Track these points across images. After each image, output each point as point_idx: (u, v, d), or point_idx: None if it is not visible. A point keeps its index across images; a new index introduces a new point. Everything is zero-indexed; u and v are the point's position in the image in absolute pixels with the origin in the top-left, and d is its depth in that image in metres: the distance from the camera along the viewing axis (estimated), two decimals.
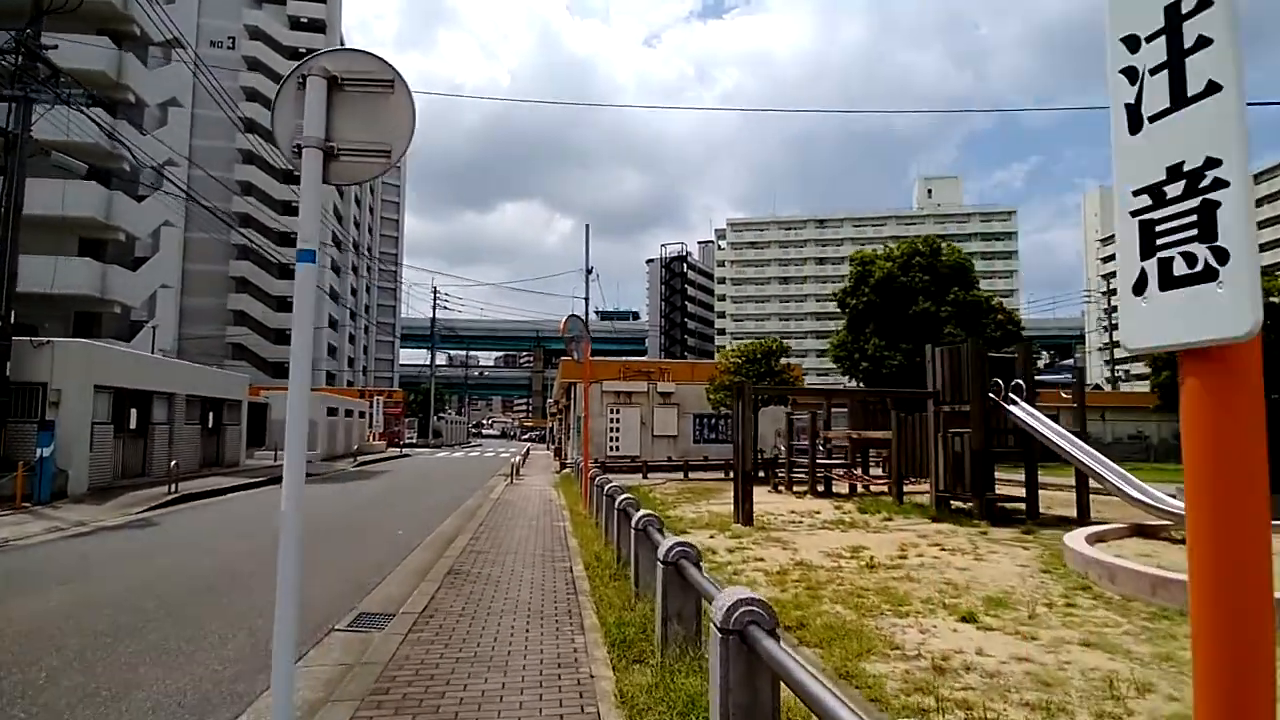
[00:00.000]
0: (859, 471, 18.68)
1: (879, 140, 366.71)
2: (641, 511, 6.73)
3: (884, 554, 9.74)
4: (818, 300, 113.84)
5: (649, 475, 24.41)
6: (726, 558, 9.54)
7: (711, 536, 11.34)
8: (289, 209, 66.05)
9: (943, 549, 10.16)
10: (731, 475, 24.76)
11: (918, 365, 34.18)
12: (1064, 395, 14.49)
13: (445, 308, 67.56)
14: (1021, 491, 14.17)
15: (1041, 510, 13.58)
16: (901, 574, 8.38)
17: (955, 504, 13.82)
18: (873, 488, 18.39)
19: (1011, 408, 12.79)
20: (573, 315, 14.42)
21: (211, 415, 23.75)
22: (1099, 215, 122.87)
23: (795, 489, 19.24)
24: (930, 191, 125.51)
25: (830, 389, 17.11)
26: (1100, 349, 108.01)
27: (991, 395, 12.93)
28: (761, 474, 23.59)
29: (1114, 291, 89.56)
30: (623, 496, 8.18)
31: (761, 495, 18.54)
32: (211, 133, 65.23)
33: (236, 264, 67.04)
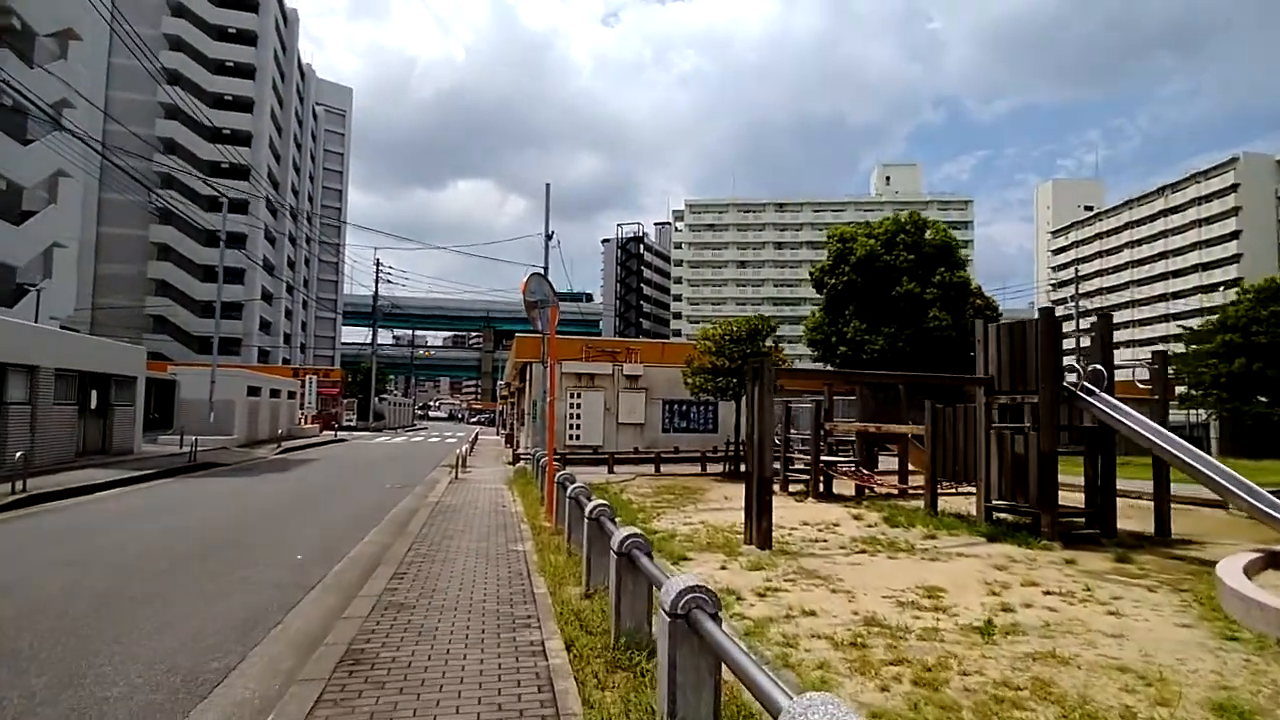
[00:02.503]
0: (866, 471, 16.03)
1: (833, 132, 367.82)
2: (681, 581, 3.76)
3: (975, 602, 7.01)
4: (775, 285, 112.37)
5: (615, 468, 21.48)
6: (759, 608, 6.67)
7: (723, 567, 8.46)
8: (217, 170, 60.75)
9: (1047, 592, 7.46)
10: (708, 470, 22.14)
11: (900, 350, 31.93)
12: (1140, 386, 12.30)
13: (389, 281, 63.40)
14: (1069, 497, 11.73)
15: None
16: (1041, 649, 5.60)
17: (1001, 516, 11.24)
18: (878, 489, 15.80)
19: (1091, 399, 10.20)
20: (535, 274, 11.33)
21: (95, 394, 19.91)
22: (1051, 208, 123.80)
23: (791, 489, 16.55)
24: (889, 179, 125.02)
25: (856, 373, 14.45)
26: None
27: (1067, 385, 10.34)
28: (740, 467, 20.92)
29: (1066, 283, 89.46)
30: (625, 535, 5.23)
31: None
32: (131, 84, 59.61)
33: (158, 229, 61.60)
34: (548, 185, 23.99)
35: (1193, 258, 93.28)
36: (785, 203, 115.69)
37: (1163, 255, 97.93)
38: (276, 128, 72.25)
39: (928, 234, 33.00)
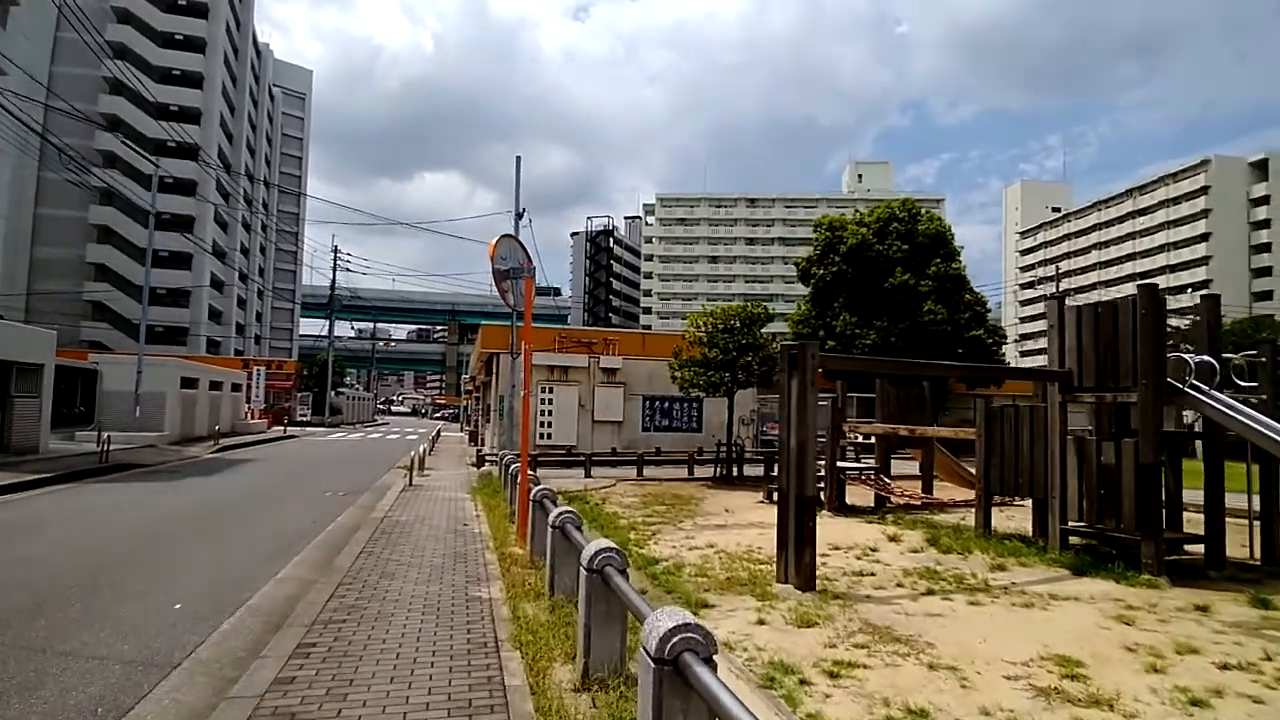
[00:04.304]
0: (887, 479, 13.96)
1: (802, 132, 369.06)
2: None
3: (1139, 684, 4.91)
4: (746, 281, 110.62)
5: (591, 471, 19.19)
6: (839, 702, 4.49)
7: (760, 620, 6.26)
8: (163, 149, 56.91)
9: (1223, 665, 5.38)
10: (695, 474, 19.74)
11: (893, 345, 30.06)
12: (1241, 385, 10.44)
13: (348, 269, 60.20)
14: None
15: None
16: None
17: (1075, 540, 9.21)
18: (898, 499, 13.71)
19: (1204, 398, 8.20)
20: (506, 236, 9.02)
21: None
22: (1019, 209, 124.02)
23: None
24: (860, 176, 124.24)
25: (914, 363, 12.38)
26: (1015, 341, 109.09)
27: (1173, 380, 8.32)
28: (733, 472, 18.82)
29: (1044, 280, 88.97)
30: (670, 627, 2.99)
31: (748, 505, 13.66)
32: (74, 58, 55.56)
33: (99, 210, 57.54)
34: (518, 158, 21.58)
35: (1161, 259, 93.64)
36: (757, 198, 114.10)
37: (1131, 257, 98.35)
38: (229, 106, 68.44)
39: (921, 224, 31.28)
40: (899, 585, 7.67)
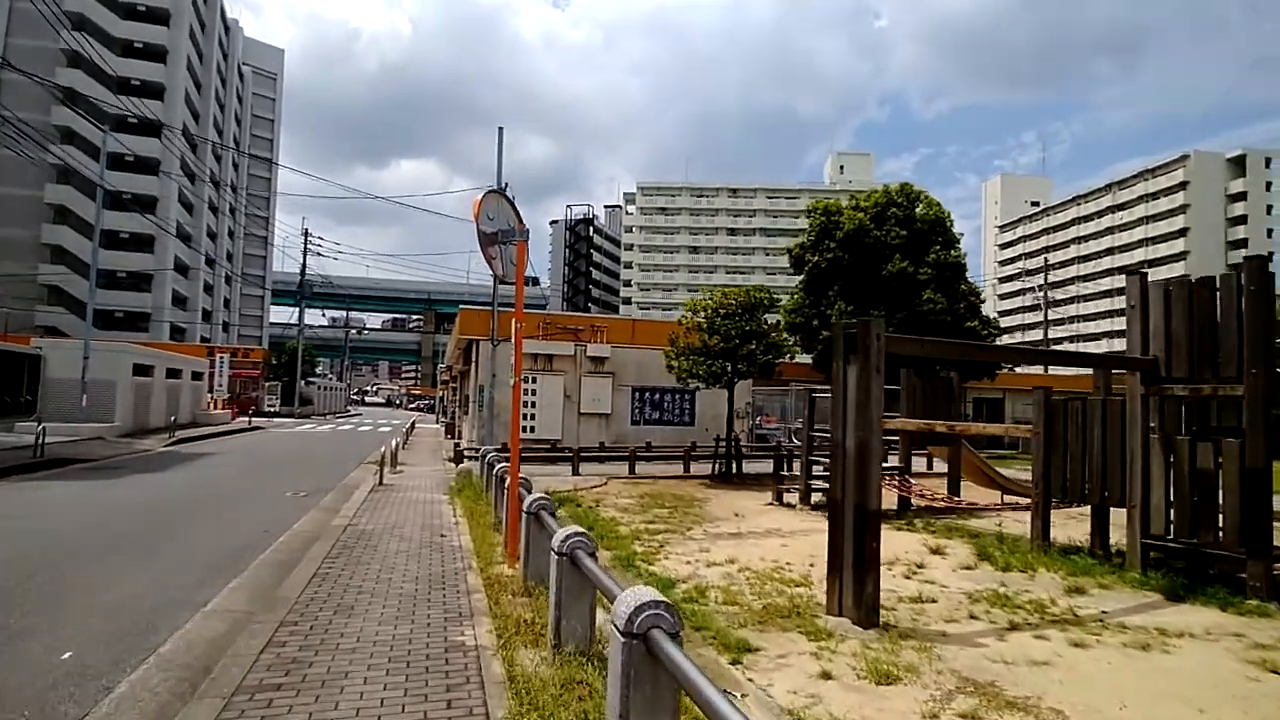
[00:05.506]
0: (913, 481, 12.67)
1: (782, 125, 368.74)
2: None
3: None
4: (728, 272, 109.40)
5: (580, 468, 17.74)
6: None
7: (825, 675, 4.86)
8: (124, 125, 54.25)
9: None
10: (692, 471, 18.25)
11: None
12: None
13: (318, 253, 58.06)
14: None
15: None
16: None
17: (1156, 556, 7.95)
18: (920, 503, 12.41)
19: None
20: (492, 192, 7.56)
21: None
22: (999, 203, 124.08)
23: (813, 500, 13.11)
24: (842, 168, 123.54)
25: (984, 346, 11.11)
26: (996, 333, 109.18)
27: None
28: (733, 469, 17.49)
29: (1021, 275, 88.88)
30: None
31: (757, 508, 12.34)
32: (29, 29, 52.74)
33: (55, 189, 54.81)
34: (500, 129, 20.03)
35: (1139, 254, 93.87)
36: (738, 188, 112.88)
37: (1110, 251, 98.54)
38: (195, 82, 65.66)
39: (919, 209, 30.07)
40: (972, 617, 6.33)
